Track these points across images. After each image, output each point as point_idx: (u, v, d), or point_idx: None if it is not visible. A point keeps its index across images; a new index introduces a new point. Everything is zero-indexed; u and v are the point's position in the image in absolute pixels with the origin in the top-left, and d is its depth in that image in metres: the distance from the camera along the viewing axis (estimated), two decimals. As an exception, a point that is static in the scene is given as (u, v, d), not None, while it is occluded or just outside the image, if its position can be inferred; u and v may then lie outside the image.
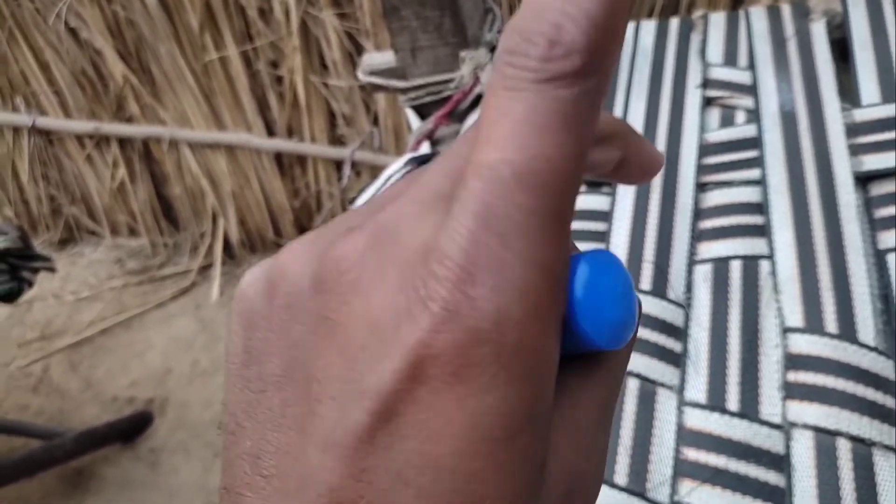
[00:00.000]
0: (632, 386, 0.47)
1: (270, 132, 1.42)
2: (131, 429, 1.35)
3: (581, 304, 0.14)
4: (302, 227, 1.56)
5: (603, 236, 0.55)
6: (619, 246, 0.53)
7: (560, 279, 0.13)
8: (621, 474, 0.44)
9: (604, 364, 0.16)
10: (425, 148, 0.68)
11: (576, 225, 0.56)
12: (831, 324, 0.47)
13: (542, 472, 0.14)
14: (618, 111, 0.62)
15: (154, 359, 1.50)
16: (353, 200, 1.40)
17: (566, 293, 0.14)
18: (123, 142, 1.58)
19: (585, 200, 0.58)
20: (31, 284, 1.05)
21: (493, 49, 0.68)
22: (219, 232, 1.62)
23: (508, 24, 0.13)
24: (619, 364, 0.17)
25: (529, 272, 0.12)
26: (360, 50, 1.22)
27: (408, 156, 0.63)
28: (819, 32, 0.61)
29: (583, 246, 0.55)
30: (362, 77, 0.75)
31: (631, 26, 0.67)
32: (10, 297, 1.03)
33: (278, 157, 1.44)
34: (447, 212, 0.13)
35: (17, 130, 1.67)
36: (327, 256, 0.14)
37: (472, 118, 0.68)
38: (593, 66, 0.13)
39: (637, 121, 0.60)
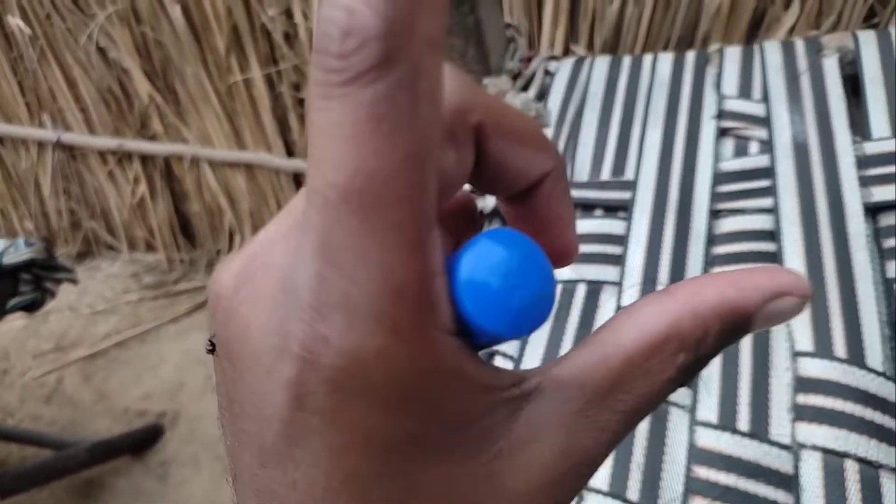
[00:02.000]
0: (645, 404, 0.48)
1: (290, 153, 1.45)
2: (142, 441, 1.36)
3: (465, 293, 0.13)
4: (317, 247, 1.58)
5: (618, 259, 0.57)
6: (634, 269, 0.55)
7: (421, 290, 0.12)
8: (633, 490, 0.45)
9: (554, 421, 0.15)
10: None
11: (591, 248, 0.58)
12: (840, 349, 0.48)
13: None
14: (634, 140, 0.64)
15: (167, 372, 1.52)
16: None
17: (441, 295, 0.13)
18: (145, 159, 1.61)
19: (601, 224, 0.59)
20: (53, 295, 1.08)
21: (515, 77, 0.71)
22: (235, 249, 1.64)
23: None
24: (575, 425, 0.15)
25: (377, 300, 0.12)
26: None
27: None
28: (831, 68, 0.63)
29: (597, 270, 0.57)
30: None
31: (648, 58, 0.70)
32: (33, 306, 1.05)
33: (296, 178, 1.47)
34: (298, 243, 0.13)
35: (41, 145, 1.72)
36: (214, 278, 0.15)
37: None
38: (396, 52, 0.11)
39: (653, 150, 0.62)
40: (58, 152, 1.70)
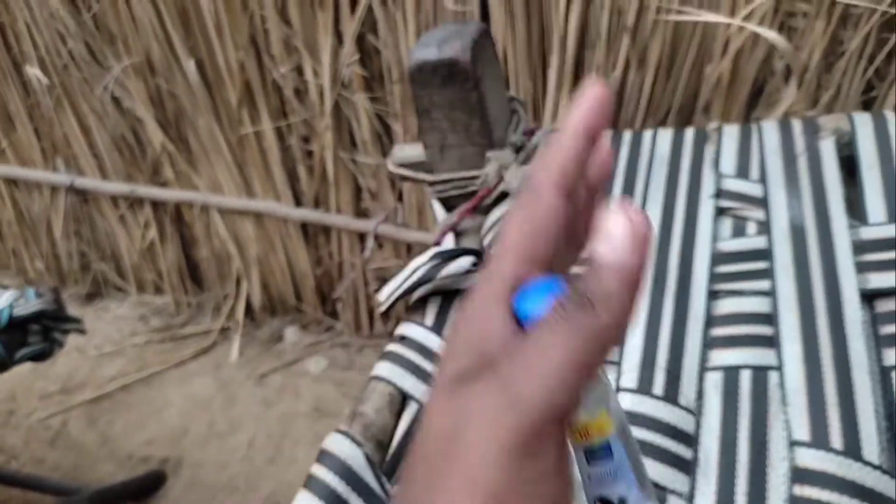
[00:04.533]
0: (643, 492, 0.48)
1: (298, 202, 1.47)
2: (144, 488, 1.36)
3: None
4: (322, 294, 1.60)
5: (618, 339, 0.57)
6: (633, 351, 0.56)
7: None
8: (631, 582, 0.45)
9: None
10: (449, 241, 0.71)
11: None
12: (837, 439, 0.48)
13: None
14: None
15: (171, 417, 1.52)
16: (379, 270, 1.44)
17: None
18: (156, 204, 1.64)
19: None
20: (61, 345, 1.09)
21: (517, 150, 0.72)
22: (242, 294, 1.66)
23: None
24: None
25: None
26: (388, 130, 1.27)
27: (434, 250, 0.66)
28: (828, 150, 0.64)
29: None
30: (392, 168, 0.79)
31: (648, 134, 0.71)
32: (41, 357, 1.06)
33: (304, 226, 1.49)
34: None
35: (55, 189, 1.75)
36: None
37: (495, 213, 0.71)
38: None
39: (652, 226, 0.64)
40: (70, 196, 1.73)
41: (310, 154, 1.39)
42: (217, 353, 1.67)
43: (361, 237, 1.43)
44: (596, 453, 0.24)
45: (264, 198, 1.49)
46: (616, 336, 0.20)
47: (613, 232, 0.21)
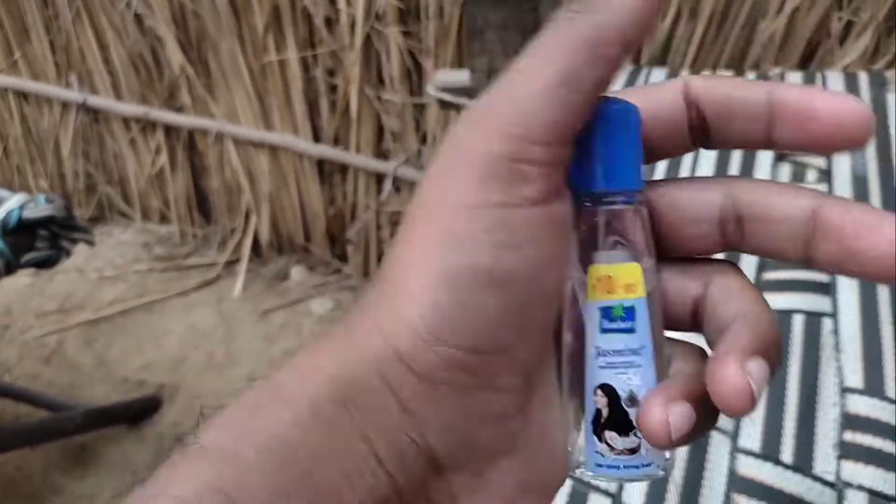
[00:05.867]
0: (686, 425, 0.47)
1: (317, 138, 1.44)
2: (140, 412, 1.34)
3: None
4: (332, 236, 1.57)
5: (665, 275, 0.55)
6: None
7: None
8: (670, 512, 0.44)
9: None
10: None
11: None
12: (891, 389, 0.47)
13: None
14: (686, 159, 0.63)
15: (170, 345, 1.51)
16: (394, 214, 1.41)
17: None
18: (169, 129, 1.60)
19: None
20: (68, 254, 1.06)
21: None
22: (249, 229, 1.63)
23: None
24: None
25: None
26: (418, 68, 1.24)
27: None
28: (894, 102, 0.62)
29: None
30: (433, 92, 0.76)
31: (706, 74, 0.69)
32: (47, 263, 1.04)
33: (320, 164, 1.46)
34: None
35: (66, 105, 1.71)
36: None
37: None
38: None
39: (707, 171, 0.61)
40: (81, 114, 1.69)
41: (334, 88, 1.35)
42: (220, 286, 1.65)
43: (379, 179, 1.40)
44: (614, 318, 0.19)
45: (282, 131, 1.45)
46: (616, 38, 0.17)
47: None
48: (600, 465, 0.19)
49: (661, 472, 0.20)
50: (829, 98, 0.18)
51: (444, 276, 0.17)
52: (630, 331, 0.19)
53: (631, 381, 0.19)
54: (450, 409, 0.18)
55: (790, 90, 0.19)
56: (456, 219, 0.18)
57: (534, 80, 0.17)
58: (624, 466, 0.19)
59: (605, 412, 0.19)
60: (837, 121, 0.18)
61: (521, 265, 0.18)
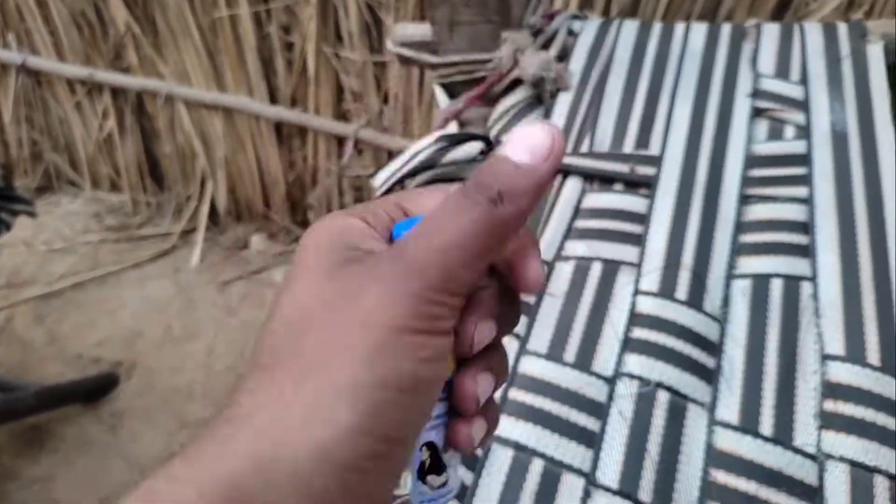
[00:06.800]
0: (662, 398, 0.44)
1: (273, 99, 1.37)
2: (95, 389, 1.29)
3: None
4: (293, 201, 1.51)
5: (638, 240, 0.52)
6: (656, 252, 0.51)
7: None
8: (646, 490, 0.41)
9: None
10: (453, 128, 0.65)
11: (608, 225, 0.54)
12: (873, 355, 0.45)
13: None
14: (661, 112, 0.59)
15: (125, 319, 1.45)
16: (357, 178, 1.36)
17: None
18: (117, 92, 1.52)
19: (621, 200, 0.55)
20: (8, 227, 1.00)
21: (536, 32, 0.65)
22: (206, 196, 1.57)
23: None
24: None
25: None
26: (378, 24, 1.18)
27: (438, 133, 0.59)
28: (875, 54, 0.59)
29: (614, 248, 0.52)
30: (391, 48, 0.71)
31: (680, 27, 0.65)
32: (-16, 237, 0.97)
33: (278, 127, 1.40)
34: None
35: (4, 67, 1.60)
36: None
37: (504, 103, 0.65)
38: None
39: (682, 124, 0.58)
40: (22, 76, 1.59)
41: (290, 46, 1.28)
42: (177, 256, 1.58)
43: (340, 141, 1.34)
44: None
45: (236, 92, 1.38)
46: (511, 232, 0.21)
47: (536, 139, 0.21)
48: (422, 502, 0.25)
49: (456, 491, 0.25)
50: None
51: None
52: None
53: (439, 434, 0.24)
54: None
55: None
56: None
57: (452, 225, 0.20)
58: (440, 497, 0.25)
59: (427, 462, 0.24)
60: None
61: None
